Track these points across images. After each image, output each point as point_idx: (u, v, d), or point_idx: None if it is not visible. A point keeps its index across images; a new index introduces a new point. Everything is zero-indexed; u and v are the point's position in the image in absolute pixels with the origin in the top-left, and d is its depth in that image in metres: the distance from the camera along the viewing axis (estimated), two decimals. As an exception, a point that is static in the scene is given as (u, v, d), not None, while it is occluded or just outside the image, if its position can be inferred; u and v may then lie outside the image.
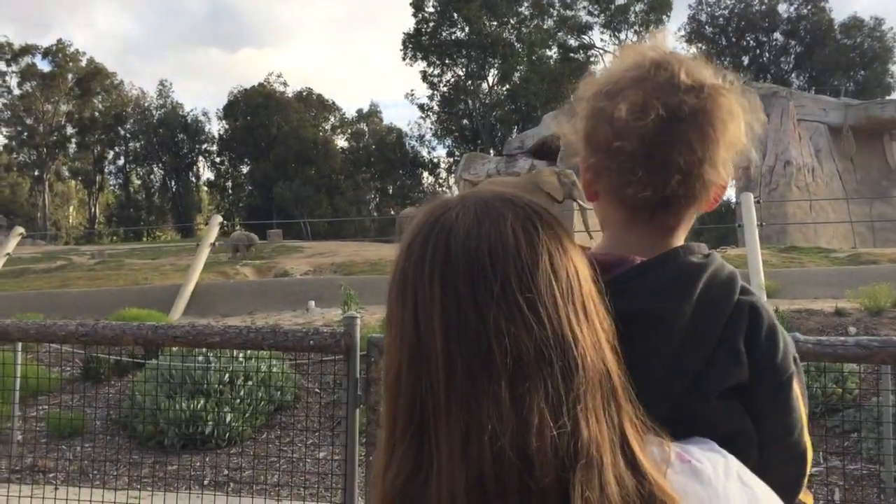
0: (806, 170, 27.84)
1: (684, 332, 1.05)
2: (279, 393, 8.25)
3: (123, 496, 5.30)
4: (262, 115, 55.49)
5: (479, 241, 0.91)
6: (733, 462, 0.97)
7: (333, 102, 60.87)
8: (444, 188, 57.18)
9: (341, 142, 59.88)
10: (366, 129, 60.50)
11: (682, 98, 1.09)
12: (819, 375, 7.21)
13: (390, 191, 58.72)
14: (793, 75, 47.03)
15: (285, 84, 59.26)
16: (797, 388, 1.11)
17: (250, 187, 58.60)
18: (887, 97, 37.55)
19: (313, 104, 59.03)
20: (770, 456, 1.07)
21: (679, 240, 1.16)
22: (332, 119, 60.99)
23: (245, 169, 59.62)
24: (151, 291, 13.38)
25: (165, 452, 7.81)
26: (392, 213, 56.05)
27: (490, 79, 52.86)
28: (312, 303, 11.16)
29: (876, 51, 45.65)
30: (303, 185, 52.82)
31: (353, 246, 31.42)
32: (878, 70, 45.68)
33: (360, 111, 61.94)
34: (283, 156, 53.98)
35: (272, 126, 54.94)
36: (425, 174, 57.97)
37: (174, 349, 8.99)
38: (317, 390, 8.72)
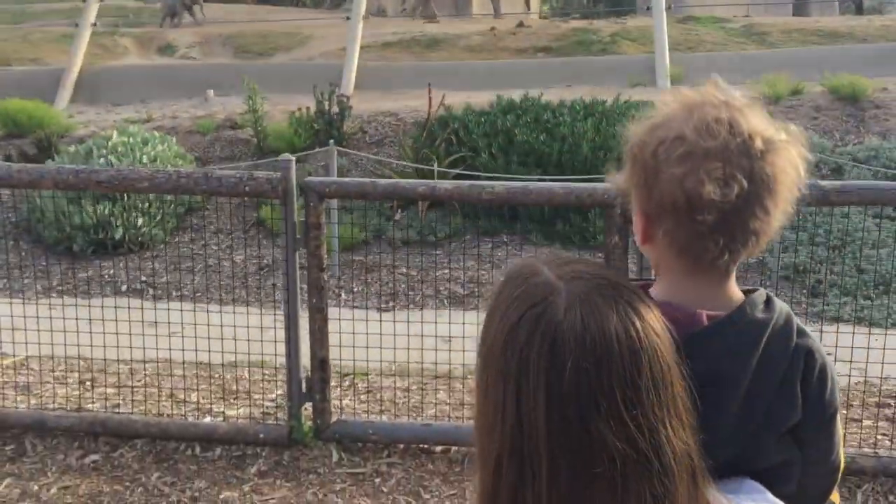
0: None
1: (748, 386, 1.10)
2: (189, 196, 8.08)
3: (43, 309, 5.09)
4: None
5: (585, 352, 0.92)
6: None
7: None
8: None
9: None
10: None
11: (758, 164, 1.09)
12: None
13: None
14: None
15: None
16: (838, 416, 1.20)
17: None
18: None
19: None
20: (810, 473, 1.17)
21: (733, 277, 1.19)
22: None
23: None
24: (30, 77, 12.41)
25: (75, 258, 7.67)
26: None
27: None
28: (211, 92, 10.64)
29: None
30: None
31: (242, 10, 29.54)
32: None
33: None
34: None
35: None
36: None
37: (71, 148, 8.60)
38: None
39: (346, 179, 4.04)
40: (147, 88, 11.37)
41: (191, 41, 20.22)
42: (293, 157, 3.76)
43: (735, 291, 1.18)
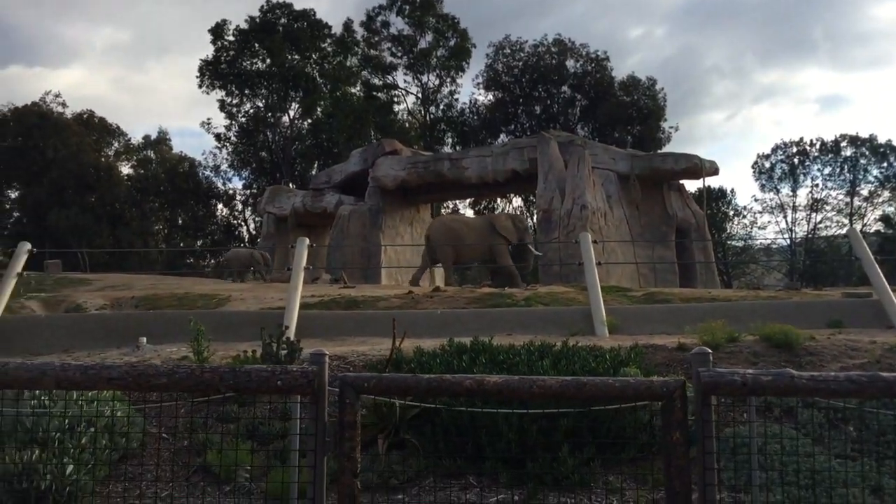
0: (599, 213, 29.64)
1: None
2: (124, 440, 7.39)
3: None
4: (36, 136, 51.10)
5: None
6: None
7: (118, 127, 57.45)
8: (239, 221, 55.31)
9: (126, 169, 56.53)
10: (153, 156, 57.53)
11: None
12: (808, 408, 7.61)
13: (180, 222, 55.96)
14: (579, 126, 50.23)
15: (64, 105, 55.13)
16: None
17: (18, 214, 53.66)
18: (664, 150, 40.96)
19: (95, 127, 55.30)
20: None
21: None
22: (117, 144, 57.49)
23: (14, 194, 54.50)
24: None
25: (-14, 514, 6.72)
26: (182, 245, 53.57)
27: (291, 112, 52.09)
28: (144, 339, 10.18)
29: (650, 108, 49.88)
30: (82, 213, 49.19)
31: (148, 279, 29.55)
32: (652, 125, 49.90)
33: (147, 137, 58.85)
34: (60, 181, 49.93)
35: (48, 148, 50.69)
36: (220, 206, 55.88)
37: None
38: (164, 436, 7.91)
39: (385, 374, 3.73)
40: (69, 337, 10.79)
41: (100, 303, 19.80)
42: (325, 352, 3.49)
43: None
